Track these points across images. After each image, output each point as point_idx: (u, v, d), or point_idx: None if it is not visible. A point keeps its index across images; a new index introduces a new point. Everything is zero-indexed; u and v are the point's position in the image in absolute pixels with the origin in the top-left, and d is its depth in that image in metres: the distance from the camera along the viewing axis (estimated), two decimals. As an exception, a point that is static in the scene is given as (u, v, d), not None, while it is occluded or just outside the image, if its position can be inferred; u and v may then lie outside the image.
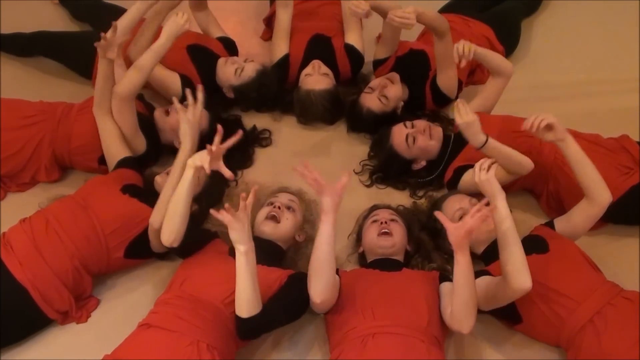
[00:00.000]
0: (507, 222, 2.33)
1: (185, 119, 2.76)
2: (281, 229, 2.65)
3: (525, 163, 2.75)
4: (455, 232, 2.17)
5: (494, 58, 3.04)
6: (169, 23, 2.91)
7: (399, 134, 3.09)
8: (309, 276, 2.31)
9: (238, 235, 2.20)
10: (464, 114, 2.70)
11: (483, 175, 2.44)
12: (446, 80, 3.25)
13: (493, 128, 2.89)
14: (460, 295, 2.22)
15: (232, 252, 2.55)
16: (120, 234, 2.62)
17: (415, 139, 3.04)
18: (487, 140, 2.70)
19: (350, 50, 3.58)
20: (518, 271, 2.26)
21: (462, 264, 2.19)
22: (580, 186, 2.56)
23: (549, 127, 2.50)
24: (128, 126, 2.93)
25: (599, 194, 2.53)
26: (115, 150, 2.92)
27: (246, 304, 2.23)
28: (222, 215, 2.19)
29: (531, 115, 2.51)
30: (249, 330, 2.30)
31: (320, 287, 2.28)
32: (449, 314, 2.30)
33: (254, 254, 2.25)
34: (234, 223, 2.19)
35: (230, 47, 3.63)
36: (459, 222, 2.21)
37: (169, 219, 2.46)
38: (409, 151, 3.08)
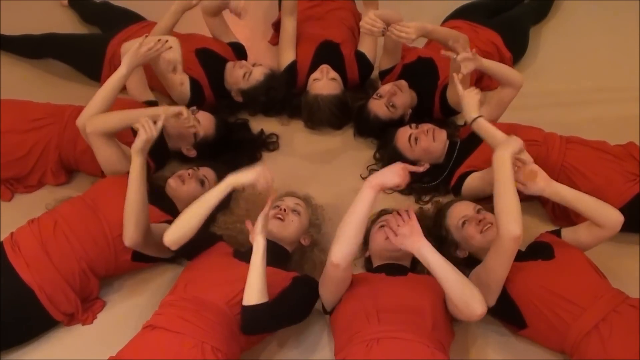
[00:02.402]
0: (508, 169, 2.36)
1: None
2: (287, 229, 2.65)
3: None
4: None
5: (501, 69, 3.04)
6: (130, 52, 2.86)
7: (403, 134, 3.11)
8: (336, 237, 2.30)
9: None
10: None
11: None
12: (456, 96, 3.24)
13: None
14: (450, 284, 2.26)
15: (236, 254, 2.57)
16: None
17: (418, 139, 3.05)
18: (478, 117, 2.79)
19: (361, 57, 3.58)
20: (511, 220, 2.27)
21: (425, 257, 2.29)
22: (588, 219, 2.55)
23: (532, 176, 2.52)
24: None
25: (609, 219, 2.51)
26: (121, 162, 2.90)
27: (257, 292, 2.27)
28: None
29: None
30: (254, 319, 2.29)
31: (345, 250, 2.27)
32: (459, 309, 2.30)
33: (263, 251, 2.32)
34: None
35: (239, 52, 3.64)
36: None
37: (185, 220, 2.46)
38: (411, 152, 3.08)
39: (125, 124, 2.77)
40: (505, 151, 2.40)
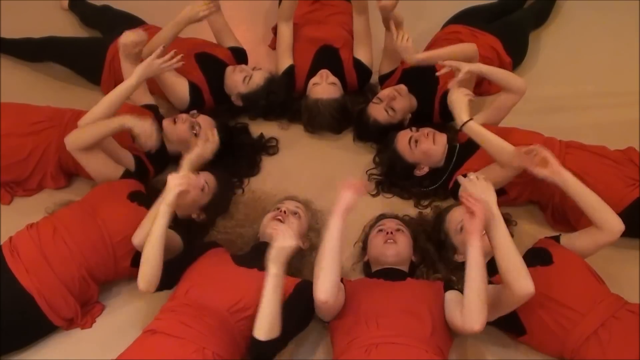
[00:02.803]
0: (502, 225, 2.31)
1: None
2: None
3: (507, 148, 2.73)
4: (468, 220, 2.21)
5: (501, 75, 3.05)
6: (143, 63, 2.89)
7: (403, 137, 3.11)
8: (315, 273, 2.29)
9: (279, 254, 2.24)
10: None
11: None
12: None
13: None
14: (473, 289, 2.21)
15: (235, 259, 2.56)
16: (128, 242, 2.59)
17: (418, 141, 3.05)
18: (468, 121, 2.80)
19: (358, 65, 3.58)
20: (519, 276, 2.24)
21: (474, 252, 2.21)
22: (588, 218, 2.54)
23: (544, 162, 2.49)
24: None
25: (609, 223, 2.50)
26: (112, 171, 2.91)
27: (268, 326, 2.22)
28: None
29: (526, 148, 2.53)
30: (264, 353, 2.29)
31: (327, 284, 2.25)
32: (459, 314, 2.27)
33: (281, 279, 2.25)
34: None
35: (239, 55, 3.64)
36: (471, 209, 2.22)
37: (146, 262, 2.41)
38: (411, 154, 3.08)
39: (101, 135, 2.75)
40: (493, 207, 2.33)
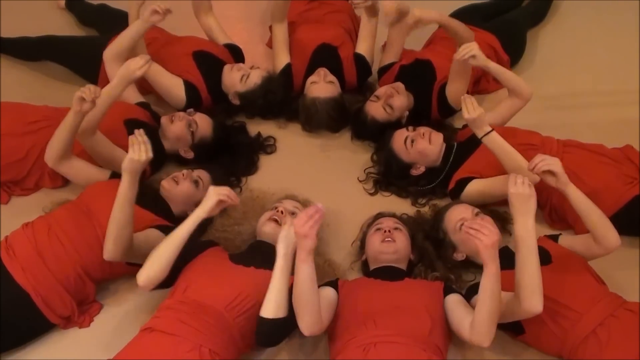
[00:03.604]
0: (529, 241, 2.29)
1: None
2: None
3: (524, 164, 2.69)
4: (482, 246, 2.14)
5: (511, 77, 3.03)
6: (123, 66, 2.84)
7: (399, 136, 3.10)
8: (295, 310, 2.26)
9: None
10: (471, 109, 2.73)
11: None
12: (455, 91, 3.23)
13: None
14: (485, 309, 2.18)
15: (232, 258, 2.56)
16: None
17: (414, 141, 3.04)
18: (491, 131, 2.74)
19: (359, 60, 3.59)
20: (533, 293, 2.25)
21: (490, 275, 2.16)
22: (588, 229, 2.54)
23: (552, 173, 2.47)
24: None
25: (607, 239, 2.50)
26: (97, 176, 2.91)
27: (275, 305, 2.26)
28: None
29: (538, 156, 2.48)
30: (271, 334, 2.30)
31: (309, 322, 2.24)
32: (469, 325, 2.26)
33: (290, 258, 2.28)
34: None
35: (236, 54, 3.64)
36: (486, 234, 2.15)
37: (156, 257, 2.41)
38: (407, 154, 3.08)
39: (66, 134, 2.73)
40: (530, 219, 2.32)
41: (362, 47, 3.61)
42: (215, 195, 2.46)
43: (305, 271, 2.18)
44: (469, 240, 2.22)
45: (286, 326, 2.29)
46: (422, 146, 3.04)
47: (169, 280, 2.46)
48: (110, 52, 3.15)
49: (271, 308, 2.25)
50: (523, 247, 2.29)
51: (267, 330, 2.28)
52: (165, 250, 2.41)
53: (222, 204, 2.49)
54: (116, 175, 2.86)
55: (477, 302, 2.21)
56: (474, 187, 2.93)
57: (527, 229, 2.30)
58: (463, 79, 3.18)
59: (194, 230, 2.44)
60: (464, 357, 2.54)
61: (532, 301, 2.24)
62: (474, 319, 2.23)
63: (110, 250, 2.46)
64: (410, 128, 3.12)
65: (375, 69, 3.64)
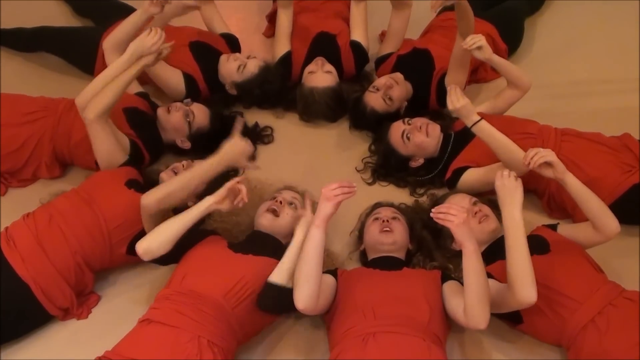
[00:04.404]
0: (516, 231, 2.32)
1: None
2: (279, 223, 2.65)
3: (518, 153, 2.69)
4: (453, 226, 2.18)
5: (512, 69, 3.04)
6: (135, 41, 2.82)
7: (396, 130, 3.09)
8: (294, 281, 2.29)
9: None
10: (454, 100, 2.74)
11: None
12: (455, 81, 3.20)
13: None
14: (472, 289, 2.20)
15: (231, 246, 2.56)
16: (124, 229, 2.61)
17: (411, 135, 3.04)
18: (479, 120, 2.74)
19: (356, 46, 3.58)
20: (525, 284, 2.25)
21: (469, 254, 2.19)
22: (587, 218, 2.55)
23: (548, 164, 2.47)
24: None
25: (607, 226, 2.50)
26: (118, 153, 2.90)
27: (287, 273, 2.37)
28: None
29: (530, 150, 2.49)
30: (275, 299, 2.36)
31: (306, 293, 2.26)
32: (462, 312, 2.27)
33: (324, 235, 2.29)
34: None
35: (233, 44, 3.63)
36: (454, 214, 2.20)
37: (160, 232, 2.45)
38: (405, 148, 3.07)
39: (119, 90, 2.74)
40: (515, 209, 2.36)
41: (357, 34, 3.60)
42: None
43: (316, 237, 2.24)
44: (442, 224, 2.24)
45: (291, 300, 2.29)
46: (420, 139, 3.04)
47: (167, 259, 2.48)
48: (109, 42, 3.13)
49: (283, 275, 2.35)
50: (510, 238, 2.32)
51: (272, 294, 2.33)
52: (169, 227, 2.45)
53: (232, 193, 2.50)
54: (124, 163, 2.87)
55: (464, 286, 2.24)
56: (470, 176, 2.93)
57: (513, 220, 2.34)
58: (463, 68, 3.18)
59: (201, 217, 2.48)
60: (462, 345, 2.54)
61: (524, 292, 2.25)
62: (465, 303, 2.24)
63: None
64: (406, 121, 3.11)
65: (370, 55, 3.63)
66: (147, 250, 2.43)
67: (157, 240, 2.44)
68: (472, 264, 2.19)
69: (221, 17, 3.66)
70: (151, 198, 2.53)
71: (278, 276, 2.38)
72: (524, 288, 2.25)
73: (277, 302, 2.37)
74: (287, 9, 3.58)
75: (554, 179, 2.51)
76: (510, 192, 2.38)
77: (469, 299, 2.21)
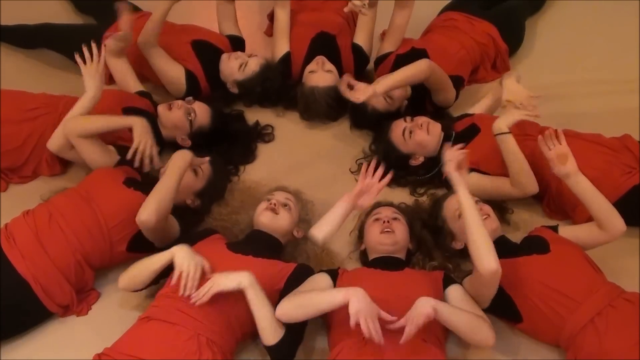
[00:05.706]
0: (471, 210, 2.35)
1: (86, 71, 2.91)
2: (279, 221, 2.65)
3: (530, 179, 2.79)
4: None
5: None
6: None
7: (398, 127, 3.10)
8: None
9: None
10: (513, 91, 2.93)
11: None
12: (444, 101, 3.35)
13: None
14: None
15: (230, 246, 2.57)
16: (124, 227, 2.61)
17: (412, 132, 3.04)
18: (508, 132, 2.77)
19: (357, 50, 3.58)
20: (482, 255, 2.27)
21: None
22: (594, 218, 2.56)
23: (563, 158, 2.52)
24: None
25: (614, 226, 2.52)
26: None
27: (271, 329, 2.29)
28: None
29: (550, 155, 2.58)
30: (284, 353, 2.34)
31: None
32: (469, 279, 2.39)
33: (257, 285, 2.31)
34: None
35: (237, 45, 3.64)
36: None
37: (136, 272, 2.48)
38: (405, 145, 3.07)
39: (104, 129, 2.82)
40: (464, 190, 2.40)
41: (360, 37, 3.60)
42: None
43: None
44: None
45: (292, 339, 2.32)
46: (420, 137, 3.04)
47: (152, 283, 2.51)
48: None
49: (270, 335, 2.29)
50: (467, 213, 2.35)
51: (279, 353, 2.31)
52: (144, 269, 2.47)
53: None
54: (121, 164, 2.86)
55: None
56: (470, 179, 2.92)
57: (466, 197, 2.39)
58: (445, 88, 3.29)
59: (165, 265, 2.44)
60: (464, 351, 2.54)
61: (484, 261, 2.26)
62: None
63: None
64: (408, 119, 3.11)
65: (374, 57, 3.62)
66: (126, 287, 2.50)
67: (133, 282, 2.49)
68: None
69: (236, 18, 3.68)
70: (147, 212, 2.49)
71: (268, 339, 2.31)
72: (485, 258, 2.27)
73: (287, 353, 2.36)
74: (284, 8, 3.58)
75: (566, 178, 2.54)
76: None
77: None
